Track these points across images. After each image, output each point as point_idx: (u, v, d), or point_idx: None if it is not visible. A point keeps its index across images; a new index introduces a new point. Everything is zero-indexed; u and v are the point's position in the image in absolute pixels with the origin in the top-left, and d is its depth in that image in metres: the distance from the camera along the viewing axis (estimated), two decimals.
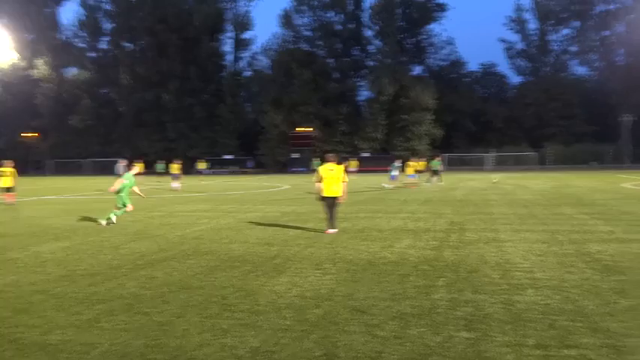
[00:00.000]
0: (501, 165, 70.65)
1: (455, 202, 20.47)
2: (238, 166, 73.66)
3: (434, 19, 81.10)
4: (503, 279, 7.40)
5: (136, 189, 14.90)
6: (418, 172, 33.14)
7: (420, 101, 70.00)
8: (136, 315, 5.96)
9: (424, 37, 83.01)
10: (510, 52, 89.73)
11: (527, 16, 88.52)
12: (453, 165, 69.22)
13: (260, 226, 13.51)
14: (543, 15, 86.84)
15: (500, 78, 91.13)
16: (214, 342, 5.07)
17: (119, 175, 29.00)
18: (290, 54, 76.32)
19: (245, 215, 16.30)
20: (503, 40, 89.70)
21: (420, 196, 23.82)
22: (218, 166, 70.61)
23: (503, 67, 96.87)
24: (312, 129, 71.29)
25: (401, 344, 4.92)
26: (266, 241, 11.04)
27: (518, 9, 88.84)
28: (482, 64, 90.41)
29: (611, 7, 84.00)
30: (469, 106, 79.19)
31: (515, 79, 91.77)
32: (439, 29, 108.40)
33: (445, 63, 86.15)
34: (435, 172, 33.05)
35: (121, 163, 29.35)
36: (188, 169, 56.25)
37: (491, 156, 71.84)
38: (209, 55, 79.41)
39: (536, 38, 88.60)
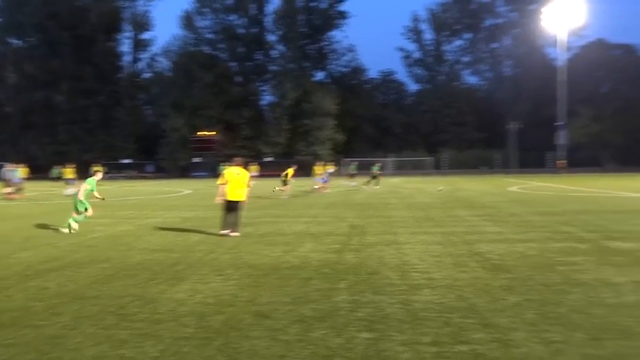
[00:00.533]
0: (400, 169, 73.02)
1: (356, 205, 20.92)
2: (137, 171, 71.26)
3: (335, 27, 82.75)
4: (402, 280, 7.65)
5: (96, 193, 13.97)
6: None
7: (322, 106, 71.07)
8: (24, 329, 5.60)
9: (326, 43, 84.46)
10: (408, 60, 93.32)
11: (424, 26, 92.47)
12: (366, 169, 70.85)
13: (160, 233, 13.14)
14: (438, 26, 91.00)
15: (399, 85, 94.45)
16: (111, 353, 4.87)
17: (7, 181, 27.22)
18: (191, 56, 74.97)
19: (144, 221, 15.79)
20: (401, 49, 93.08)
21: (322, 200, 24.13)
22: (115, 170, 67.92)
23: (402, 74, 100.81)
24: (214, 133, 70.32)
25: (303, 347, 4.96)
26: (166, 248, 10.76)
27: (415, 19, 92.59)
28: (381, 72, 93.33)
29: (499, 21, 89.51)
30: (369, 112, 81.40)
31: (412, 86, 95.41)
32: (341, 36, 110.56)
33: (346, 69, 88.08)
34: (374, 177, 34.12)
35: (8, 168, 27.50)
36: (84, 174, 53.67)
37: (390, 160, 74.14)
38: (105, 54, 76.28)
39: (432, 48, 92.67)
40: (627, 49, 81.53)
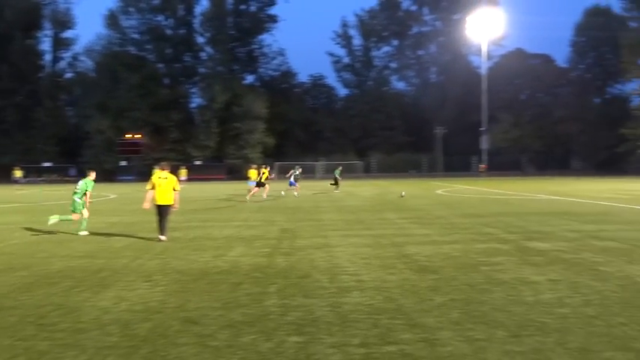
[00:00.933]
0: (331, 173, 73.33)
1: (287, 209, 20.92)
2: (59, 175, 68.39)
3: (265, 30, 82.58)
4: (332, 283, 7.72)
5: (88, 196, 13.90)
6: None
7: (253, 110, 70.67)
8: None
9: (256, 46, 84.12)
10: (337, 65, 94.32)
11: (353, 32, 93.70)
12: (285, 173, 70.80)
13: (84, 238, 12.67)
14: (367, 32, 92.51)
15: (329, 90, 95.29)
16: None
17: None
18: (116, 57, 72.76)
19: (67, 227, 15.17)
20: (331, 54, 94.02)
21: (253, 204, 23.98)
22: (35, 174, 64.93)
23: (332, 79, 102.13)
24: (141, 136, 68.51)
25: (233, 353, 4.91)
26: (90, 254, 10.38)
27: (345, 25, 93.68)
28: (311, 76, 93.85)
29: (425, 29, 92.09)
30: (300, 116, 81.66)
31: (342, 91, 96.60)
32: (271, 40, 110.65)
33: (276, 73, 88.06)
34: (336, 181, 34.29)
35: None
36: (4, 178, 51.14)
37: (320, 164, 74.58)
38: (24, 53, 72.69)
39: (360, 54, 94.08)
40: (544, 58, 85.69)
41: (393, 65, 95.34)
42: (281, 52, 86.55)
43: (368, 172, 75.89)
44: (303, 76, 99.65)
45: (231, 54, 79.16)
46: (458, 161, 77.78)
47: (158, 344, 5.16)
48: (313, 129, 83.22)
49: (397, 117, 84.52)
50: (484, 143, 70.57)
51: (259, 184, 26.79)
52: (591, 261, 9.12)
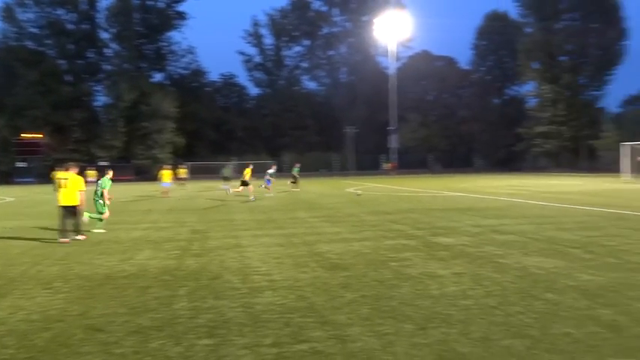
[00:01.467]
0: (240, 174, 72.80)
1: (199, 210, 20.55)
2: None
3: (174, 27, 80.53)
4: (244, 283, 7.65)
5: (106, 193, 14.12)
6: (181, 179, 33.53)
7: (161, 109, 68.75)
8: None
9: (164, 44, 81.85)
10: (249, 64, 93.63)
11: (264, 31, 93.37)
12: (196, 173, 69.35)
13: None
14: (278, 32, 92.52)
15: (240, 89, 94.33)
16: None
17: None
18: (12, 51, 68.45)
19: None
20: (242, 53, 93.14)
21: (163, 205, 23.38)
22: None
23: (243, 78, 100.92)
24: (40, 135, 64.90)
25: (140, 359, 4.75)
26: None
27: (255, 24, 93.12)
28: (222, 75, 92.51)
29: (335, 30, 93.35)
30: (211, 115, 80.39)
31: (253, 90, 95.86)
32: (180, 37, 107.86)
33: (186, 71, 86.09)
34: (295, 180, 33.85)
35: None
36: None
37: (232, 164, 73.75)
38: None
39: (272, 53, 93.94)
40: (448, 60, 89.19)
41: (304, 65, 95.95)
42: (190, 50, 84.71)
43: (280, 171, 75.91)
44: (213, 75, 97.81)
45: (138, 51, 76.60)
46: (368, 160, 79.44)
47: (59, 354, 4.91)
48: (225, 128, 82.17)
49: (309, 116, 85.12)
50: (393, 142, 72.54)
51: (244, 183, 26.46)
52: (492, 254, 9.59)
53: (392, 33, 72.08)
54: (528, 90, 75.95)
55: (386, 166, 70.95)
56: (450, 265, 8.69)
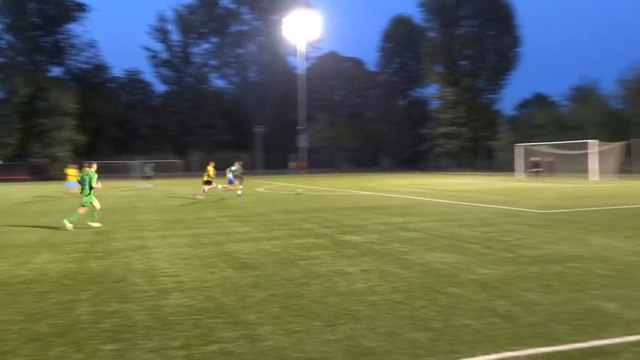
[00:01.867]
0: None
1: (103, 210, 19.72)
2: None
3: (73, 19, 76.82)
4: (150, 285, 7.46)
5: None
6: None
7: (61, 105, 65.37)
8: None
9: (63, 37, 77.89)
10: (155, 60, 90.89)
11: (171, 27, 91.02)
12: (99, 172, 66.66)
13: None
14: (185, 28, 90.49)
15: (146, 85, 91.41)
16: None
17: None
18: None
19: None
20: (147, 49, 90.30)
21: (64, 205, 22.29)
22: None
23: (149, 74, 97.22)
24: None
25: None
26: None
27: (162, 19, 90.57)
28: (127, 71, 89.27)
29: (244, 28, 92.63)
30: (114, 112, 77.41)
31: (160, 87, 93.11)
32: (80, 30, 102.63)
33: (88, 66, 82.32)
34: (240, 178, 32.62)
35: None
36: None
37: (137, 163, 71.49)
38: None
39: (179, 49, 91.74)
40: (356, 62, 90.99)
41: (213, 63, 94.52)
42: (92, 44, 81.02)
43: (188, 170, 74.37)
44: (117, 71, 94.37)
45: (34, 43, 72.45)
46: (277, 159, 79.51)
47: None
48: (129, 126, 79.36)
49: (217, 115, 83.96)
50: (302, 142, 73.06)
51: (208, 182, 25.97)
52: (398, 251, 9.90)
53: (301, 33, 72.60)
54: (432, 92, 78.97)
55: (293, 165, 71.30)
56: (358, 262, 8.88)
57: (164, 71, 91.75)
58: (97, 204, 14.49)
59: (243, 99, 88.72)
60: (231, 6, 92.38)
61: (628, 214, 15.40)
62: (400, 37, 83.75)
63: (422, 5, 74.78)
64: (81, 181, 14.56)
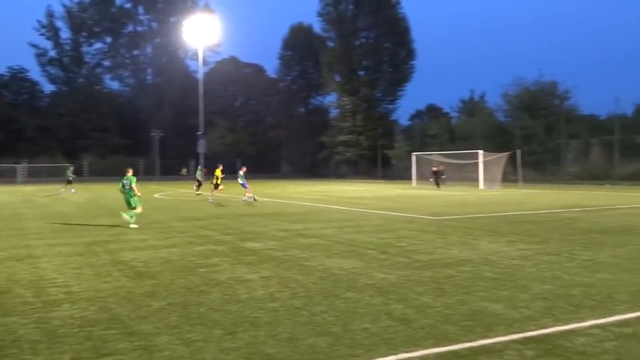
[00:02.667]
0: (35, 177, 66.77)
1: None
2: None
3: None
4: (37, 297, 7.04)
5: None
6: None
7: None
8: None
9: None
10: (42, 59, 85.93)
11: (60, 24, 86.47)
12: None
13: None
14: (76, 26, 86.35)
15: (32, 85, 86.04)
16: None
17: None
18: None
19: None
20: (34, 46, 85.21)
21: None
22: None
23: (35, 73, 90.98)
24: None
25: None
26: None
27: (50, 15, 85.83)
28: (11, 68, 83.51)
29: (140, 28, 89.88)
30: None
31: (48, 87, 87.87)
32: None
33: None
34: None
35: None
36: None
37: (22, 167, 67.14)
38: None
39: (69, 48, 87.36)
40: (256, 68, 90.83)
41: (107, 63, 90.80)
42: None
43: (80, 175, 70.82)
44: (0, 68, 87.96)
45: None
46: (175, 165, 77.51)
47: None
48: (13, 127, 74.34)
49: (112, 118, 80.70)
50: (201, 147, 71.70)
51: (216, 186, 25.87)
52: (298, 257, 9.98)
53: (200, 36, 71.38)
54: (331, 101, 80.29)
55: (184, 172, 69.44)
56: (258, 269, 8.87)
57: (53, 70, 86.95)
58: (139, 208, 15.52)
59: (139, 102, 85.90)
60: (127, 5, 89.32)
61: (512, 220, 16.46)
62: (300, 45, 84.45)
63: (321, 15, 75.98)
64: (123, 185, 15.51)
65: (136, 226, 14.91)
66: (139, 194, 15.52)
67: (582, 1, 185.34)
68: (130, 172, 15.75)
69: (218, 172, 26.74)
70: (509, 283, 7.65)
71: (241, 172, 27.69)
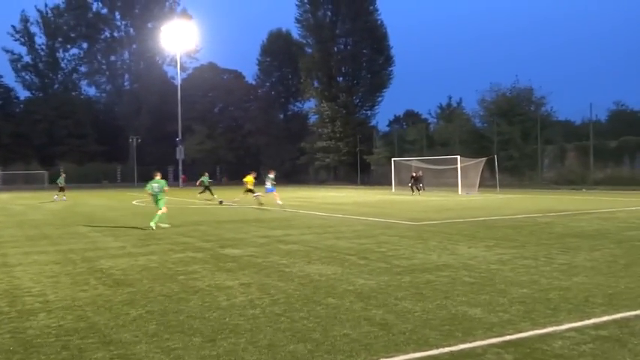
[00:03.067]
0: (10, 184, 65.75)
1: None
2: None
3: None
4: (12, 306, 6.92)
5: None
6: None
7: None
8: None
9: None
10: (17, 64, 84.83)
11: (35, 29, 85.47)
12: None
13: None
14: (51, 31, 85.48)
15: (7, 91, 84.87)
16: None
17: None
18: None
19: None
20: (8, 51, 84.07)
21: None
22: None
23: (10, 79, 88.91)
24: None
25: None
26: None
27: (25, 20, 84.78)
28: None
29: (116, 34, 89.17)
30: None
31: (23, 93, 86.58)
32: None
33: None
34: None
35: None
36: None
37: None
38: None
39: (44, 53, 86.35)
40: (235, 74, 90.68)
41: (83, 69, 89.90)
42: None
43: (55, 182, 69.91)
44: None
45: None
46: (153, 171, 76.88)
47: None
48: None
49: (89, 124, 79.89)
50: (179, 154, 71.27)
51: (251, 191, 25.82)
52: (278, 263, 9.96)
53: (178, 42, 71.06)
54: (310, 107, 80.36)
55: (157, 177, 68.99)
56: (238, 275, 8.83)
57: (28, 76, 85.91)
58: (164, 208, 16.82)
59: (116, 108, 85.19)
60: (103, 11, 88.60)
61: (490, 225, 16.62)
62: (279, 51, 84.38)
63: (299, 22, 76.10)
64: (152, 188, 16.82)
65: (168, 225, 16.56)
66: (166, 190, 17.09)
67: (555, 12, 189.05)
68: (159, 176, 17.42)
69: (250, 179, 26.61)
70: (488, 288, 7.71)
71: (271, 176, 26.50)
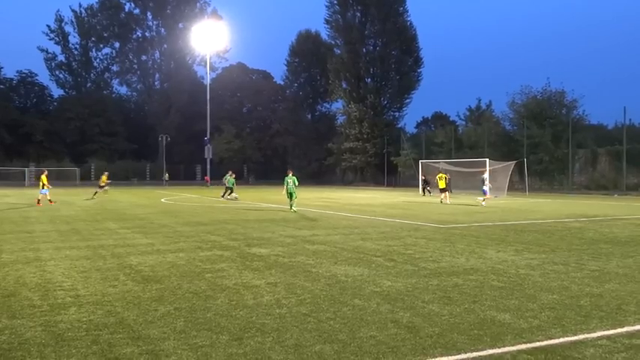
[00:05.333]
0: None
1: None
2: None
3: None
4: (44, 300, 7.05)
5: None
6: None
7: None
8: None
9: None
10: (51, 63, 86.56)
11: (69, 28, 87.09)
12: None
13: None
14: (85, 31, 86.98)
15: (41, 89, 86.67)
16: None
17: None
18: None
19: None
20: (43, 50, 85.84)
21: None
22: None
23: (44, 77, 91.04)
24: None
25: None
26: None
27: (59, 20, 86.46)
28: (20, 72, 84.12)
29: (148, 34, 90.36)
30: (5, 117, 72.86)
31: (57, 91, 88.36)
32: None
33: None
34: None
35: None
36: None
37: (31, 170, 67.51)
38: None
39: (78, 53, 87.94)
40: (264, 74, 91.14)
41: (115, 68, 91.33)
42: None
43: (87, 179, 71.12)
44: (9, 72, 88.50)
45: None
46: (182, 170, 77.71)
47: None
48: (22, 131, 74.86)
49: (119, 122, 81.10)
50: (208, 153, 71.92)
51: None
52: (305, 263, 9.96)
53: (208, 43, 71.73)
54: (338, 108, 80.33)
55: (167, 177, 69.25)
56: (265, 275, 8.86)
57: (61, 75, 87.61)
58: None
59: (146, 107, 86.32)
60: (135, 11, 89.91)
61: (519, 229, 16.39)
62: (307, 52, 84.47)
63: (328, 22, 76.12)
64: (287, 182, 22.79)
65: (297, 209, 21.70)
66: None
67: (592, 17, 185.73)
68: (291, 173, 22.79)
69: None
70: (517, 293, 7.60)
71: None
